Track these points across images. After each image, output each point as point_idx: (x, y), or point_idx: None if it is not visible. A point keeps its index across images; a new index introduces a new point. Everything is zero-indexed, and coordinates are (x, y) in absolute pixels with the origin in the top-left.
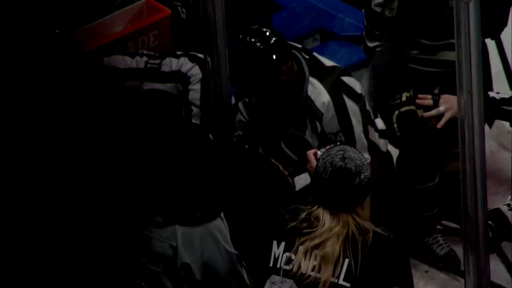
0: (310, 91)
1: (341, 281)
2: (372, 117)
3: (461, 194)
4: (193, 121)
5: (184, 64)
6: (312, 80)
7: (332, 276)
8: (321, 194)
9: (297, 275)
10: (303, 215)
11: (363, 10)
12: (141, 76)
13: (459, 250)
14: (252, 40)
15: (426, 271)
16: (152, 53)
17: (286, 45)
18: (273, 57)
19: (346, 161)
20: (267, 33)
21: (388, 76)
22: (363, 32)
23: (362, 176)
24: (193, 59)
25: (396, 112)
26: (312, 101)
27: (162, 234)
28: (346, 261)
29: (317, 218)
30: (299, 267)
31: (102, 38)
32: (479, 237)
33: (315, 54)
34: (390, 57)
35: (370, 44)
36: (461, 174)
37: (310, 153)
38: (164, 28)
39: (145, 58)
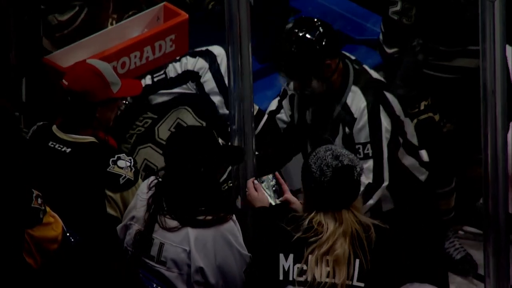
0: (350, 98)
1: (355, 282)
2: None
3: (482, 197)
4: (220, 111)
5: (187, 62)
6: (354, 88)
7: (347, 279)
8: (323, 197)
9: (313, 285)
10: (305, 223)
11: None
12: (153, 90)
13: (479, 254)
14: (299, 30)
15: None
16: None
17: (334, 38)
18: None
19: (340, 158)
20: (316, 23)
21: (406, 83)
22: (380, 37)
23: (358, 169)
24: (193, 54)
25: (415, 121)
26: (348, 106)
27: (175, 239)
28: (357, 261)
29: (320, 224)
30: (314, 277)
31: (120, 42)
32: (500, 241)
33: (365, 66)
34: (408, 63)
35: (389, 50)
36: (483, 177)
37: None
38: (181, 32)
39: (148, 76)
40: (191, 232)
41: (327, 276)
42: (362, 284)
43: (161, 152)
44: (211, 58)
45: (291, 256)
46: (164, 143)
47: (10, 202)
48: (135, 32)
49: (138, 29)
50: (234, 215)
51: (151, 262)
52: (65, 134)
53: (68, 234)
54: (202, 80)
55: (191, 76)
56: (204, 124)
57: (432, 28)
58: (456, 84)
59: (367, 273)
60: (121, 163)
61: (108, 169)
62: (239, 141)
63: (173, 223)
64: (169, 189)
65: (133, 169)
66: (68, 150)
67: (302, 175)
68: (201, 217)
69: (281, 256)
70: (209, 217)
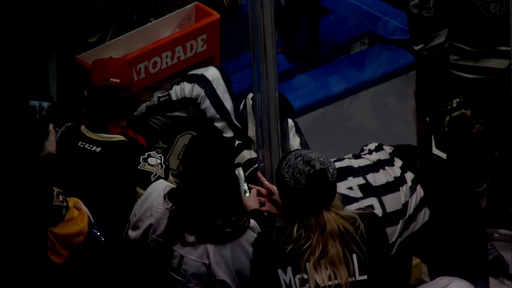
0: None
1: (358, 277)
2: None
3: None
4: (225, 135)
5: (185, 88)
6: None
7: (349, 276)
8: (301, 205)
9: None
10: (294, 233)
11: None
12: (158, 110)
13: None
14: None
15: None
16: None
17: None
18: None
19: (311, 163)
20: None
21: (435, 81)
22: (409, 35)
23: (331, 170)
24: (190, 79)
25: (448, 118)
26: None
27: (194, 252)
28: (354, 256)
29: (306, 229)
30: (316, 283)
31: (151, 42)
32: None
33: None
34: (435, 61)
35: (416, 47)
36: (510, 175)
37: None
38: (213, 32)
39: (158, 93)
40: (210, 246)
41: (329, 279)
42: (365, 277)
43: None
44: (205, 84)
45: (289, 269)
46: (175, 173)
47: (31, 202)
48: (167, 32)
49: (169, 29)
50: (251, 220)
51: (172, 273)
52: (94, 134)
53: (98, 233)
54: (202, 107)
55: (190, 102)
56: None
57: (453, 24)
58: (485, 85)
59: (367, 264)
60: (151, 160)
61: (139, 167)
62: (266, 144)
63: (192, 237)
64: (187, 203)
65: (163, 166)
66: (99, 149)
67: (277, 186)
68: (219, 232)
69: (280, 271)
70: (228, 230)
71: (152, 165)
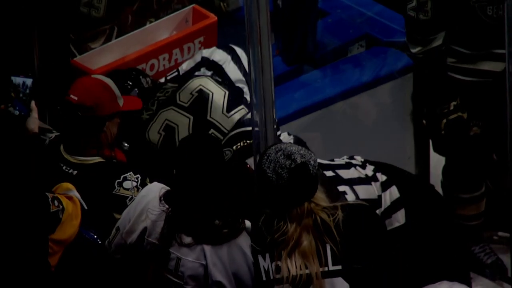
0: None
1: (331, 267)
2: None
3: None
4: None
5: (200, 53)
6: None
7: (321, 266)
8: (282, 199)
9: (290, 280)
10: (274, 224)
11: None
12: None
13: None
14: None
15: (470, 278)
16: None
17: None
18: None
19: (292, 157)
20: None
21: (432, 83)
22: (406, 38)
23: (312, 162)
24: (206, 50)
25: (444, 120)
26: None
27: (192, 254)
28: (328, 246)
29: (285, 222)
30: (289, 271)
31: (148, 45)
32: None
33: None
34: (432, 64)
35: (413, 50)
36: (508, 181)
37: None
38: (210, 34)
39: (162, 79)
40: (207, 247)
41: (300, 269)
42: (339, 267)
43: (182, 113)
44: (232, 52)
45: (267, 255)
46: (185, 105)
47: (29, 214)
48: (164, 34)
49: (167, 31)
50: (246, 221)
51: (169, 276)
52: (71, 156)
53: (95, 236)
54: (226, 70)
55: (208, 64)
56: (226, 91)
57: (450, 26)
58: (482, 87)
59: (341, 255)
60: (126, 184)
61: (114, 192)
62: (261, 145)
63: (188, 239)
64: (184, 205)
65: (140, 189)
66: (75, 172)
67: (258, 181)
68: (217, 232)
69: (260, 257)
70: (225, 230)
71: (128, 189)
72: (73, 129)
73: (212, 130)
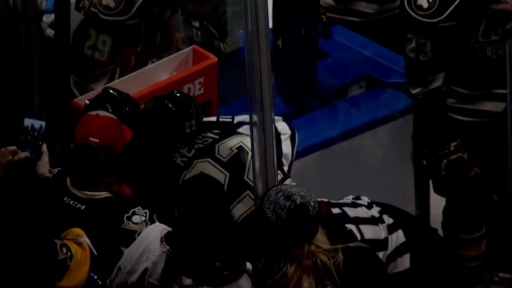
0: None
1: None
2: None
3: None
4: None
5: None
6: None
7: None
8: (283, 240)
9: None
10: (274, 266)
11: None
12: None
13: None
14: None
15: None
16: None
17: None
18: None
19: (292, 198)
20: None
21: (432, 124)
22: (406, 79)
23: (312, 203)
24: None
25: (445, 161)
26: None
27: None
28: None
29: (285, 264)
30: None
31: (148, 86)
32: None
33: None
34: (432, 105)
35: (413, 91)
36: (509, 219)
37: None
38: (210, 75)
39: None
40: None
41: None
42: None
43: (219, 168)
44: (293, 131)
45: None
46: (223, 160)
47: (38, 263)
48: (165, 75)
49: (167, 72)
50: (247, 263)
51: None
52: (79, 191)
53: (96, 277)
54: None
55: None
56: None
57: (450, 67)
58: (482, 128)
59: None
60: (135, 218)
61: (122, 226)
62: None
63: (189, 280)
64: (185, 246)
65: (148, 223)
66: (83, 207)
67: (258, 222)
68: (218, 274)
69: None
70: (226, 272)
71: (136, 223)
72: (91, 169)
73: (247, 192)
